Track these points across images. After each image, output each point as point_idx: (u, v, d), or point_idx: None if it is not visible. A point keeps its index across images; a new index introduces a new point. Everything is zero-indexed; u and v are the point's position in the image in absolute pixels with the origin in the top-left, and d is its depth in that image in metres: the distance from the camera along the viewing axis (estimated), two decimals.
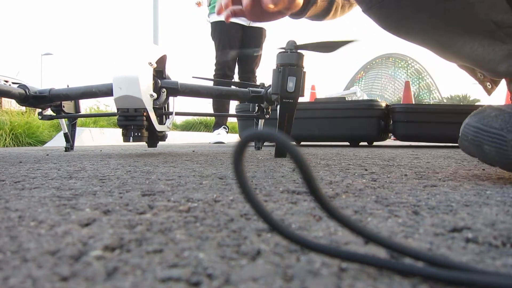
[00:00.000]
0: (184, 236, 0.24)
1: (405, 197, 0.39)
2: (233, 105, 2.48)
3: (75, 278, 0.17)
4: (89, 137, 2.75)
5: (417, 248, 0.22)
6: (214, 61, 2.65)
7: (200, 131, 5.78)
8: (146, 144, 1.21)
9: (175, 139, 3.56)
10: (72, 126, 1.39)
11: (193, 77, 1.26)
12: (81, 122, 3.31)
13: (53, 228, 0.26)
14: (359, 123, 2.01)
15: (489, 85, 0.67)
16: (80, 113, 1.41)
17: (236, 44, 2.62)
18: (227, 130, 2.75)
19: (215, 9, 0.74)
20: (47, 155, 1.14)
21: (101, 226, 0.27)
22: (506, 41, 0.55)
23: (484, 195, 0.40)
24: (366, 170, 0.66)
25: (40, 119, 1.27)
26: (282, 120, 0.88)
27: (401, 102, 5.15)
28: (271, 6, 0.67)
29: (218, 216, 0.30)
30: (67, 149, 1.36)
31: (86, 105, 5.39)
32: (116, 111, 1.02)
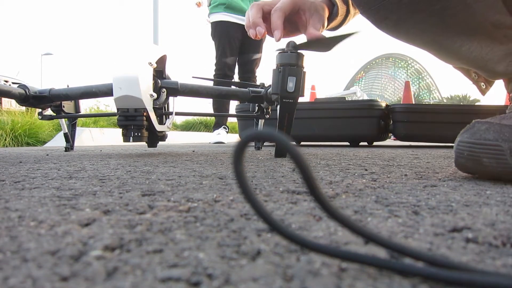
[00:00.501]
0: (184, 236, 0.24)
1: (405, 197, 0.39)
2: (233, 105, 2.48)
3: (75, 278, 0.17)
4: (89, 137, 2.75)
5: (417, 248, 0.22)
6: (214, 61, 2.65)
7: (200, 131, 5.79)
8: (146, 144, 1.21)
9: (175, 139, 3.56)
10: (72, 126, 1.39)
11: (193, 77, 1.26)
12: (81, 122, 3.32)
13: (53, 228, 0.26)
14: (359, 123, 2.01)
15: (483, 85, 0.67)
16: (80, 113, 1.41)
17: (236, 44, 2.62)
18: (227, 130, 2.75)
19: (245, 24, 0.76)
20: (47, 155, 1.14)
21: (101, 226, 0.27)
22: (504, 41, 0.55)
23: (484, 195, 0.40)
24: (366, 170, 0.66)
25: (40, 119, 1.27)
26: (282, 120, 0.88)
27: (401, 102, 5.15)
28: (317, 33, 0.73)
29: (218, 216, 0.30)
30: (67, 149, 1.36)
31: (86, 105, 5.40)
32: (116, 111, 1.02)
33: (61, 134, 2.34)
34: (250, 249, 0.22)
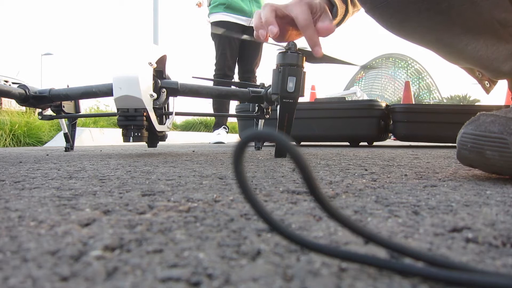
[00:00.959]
0: (184, 236, 0.24)
1: (405, 197, 0.39)
2: (233, 105, 2.48)
3: (75, 278, 0.17)
4: (89, 137, 2.75)
5: (417, 248, 0.22)
6: (214, 61, 2.65)
7: (200, 131, 5.79)
8: (146, 144, 1.21)
9: (175, 139, 3.56)
10: (72, 126, 1.39)
11: (193, 77, 1.26)
12: (81, 122, 3.31)
13: (53, 228, 0.26)
14: (359, 123, 2.01)
15: (487, 83, 0.67)
16: (80, 113, 1.41)
17: (236, 44, 2.62)
18: (227, 130, 2.75)
19: (253, 24, 0.76)
20: (47, 155, 1.14)
21: (101, 226, 0.27)
22: (510, 40, 0.55)
23: (484, 195, 0.40)
24: (366, 170, 0.66)
25: (40, 119, 1.27)
26: (282, 120, 0.88)
27: (401, 102, 5.15)
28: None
29: (218, 216, 0.30)
30: (67, 149, 1.36)
31: (86, 105, 5.39)
32: (116, 111, 1.02)
33: (61, 134, 2.34)
34: (250, 249, 0.22)
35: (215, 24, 2.62)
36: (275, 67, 0.86)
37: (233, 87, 1.64)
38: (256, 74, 2.75)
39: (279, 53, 0.85)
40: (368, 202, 0.36)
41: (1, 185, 0.47)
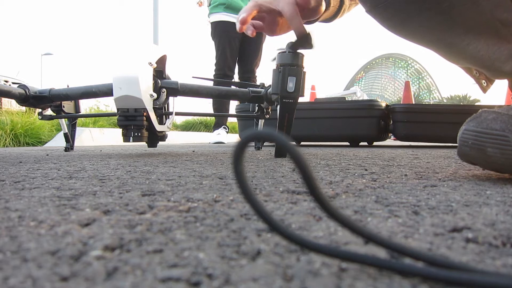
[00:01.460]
0: (184, 236, 0.24)
1: (405, 197, 0.39)
2: (233, 105, 2.48)
3: (75, 278, 0.17)
4: (89, 137, 2.75)
5: (417, 248, 0.22)
6: (214, 61, 2.65)
7: (200, 131, 5.78)
8: (146, 144, 1.21)
9: (175, 139, 3.56)
10: (72, 126, 1.39)
11: (193, 77, 1.26)
12: (81, 122, 3.31)
13: (53, 228, 0.26)
14: (359, 123, 2.01)
15: (484, 82, 0.67)
16: (80, 113, 1.41)
17: (236, 44, 2.62)
18: (227, 130, 2.75)
19: (238, 21, 0.76)
20: (47, 155, 1.14)
21: (101, 226, 0.27)
22: (511, 40, 0.55)
23: (484, 195, 0.40)
24: (366, 170, 0.66)
25: (40, 119, 1.27)
26: (282, 120, 0.88)
27: (401, 102, 5.15)
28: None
29: (218, 216, 0.30)
30: (67, 149, 1.36)
31: (86, 105, 5.39)
32: (116, 111, 1.02)
33: (61, 134, 2.34)
34: (250, 249, 0.22)
35: (215, 24, 2.62)
36: (275, 67, 0.86)
37: (233, 87, 1.64)
38: (256, 74, 2.75)
39: (279, 53, 0.85)
40: (368, 202, 0.36)
41: (1, 185, 0.47)
